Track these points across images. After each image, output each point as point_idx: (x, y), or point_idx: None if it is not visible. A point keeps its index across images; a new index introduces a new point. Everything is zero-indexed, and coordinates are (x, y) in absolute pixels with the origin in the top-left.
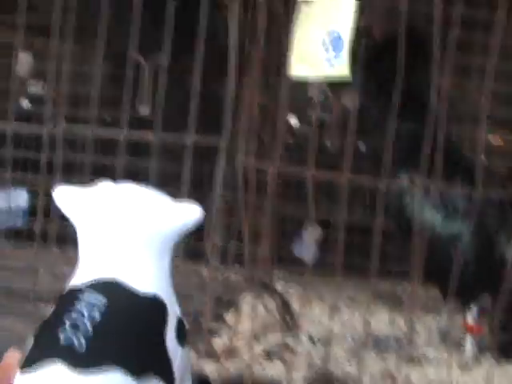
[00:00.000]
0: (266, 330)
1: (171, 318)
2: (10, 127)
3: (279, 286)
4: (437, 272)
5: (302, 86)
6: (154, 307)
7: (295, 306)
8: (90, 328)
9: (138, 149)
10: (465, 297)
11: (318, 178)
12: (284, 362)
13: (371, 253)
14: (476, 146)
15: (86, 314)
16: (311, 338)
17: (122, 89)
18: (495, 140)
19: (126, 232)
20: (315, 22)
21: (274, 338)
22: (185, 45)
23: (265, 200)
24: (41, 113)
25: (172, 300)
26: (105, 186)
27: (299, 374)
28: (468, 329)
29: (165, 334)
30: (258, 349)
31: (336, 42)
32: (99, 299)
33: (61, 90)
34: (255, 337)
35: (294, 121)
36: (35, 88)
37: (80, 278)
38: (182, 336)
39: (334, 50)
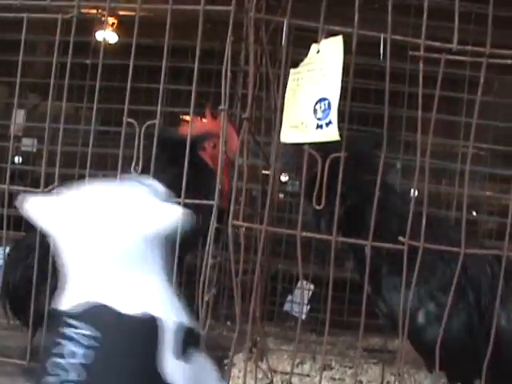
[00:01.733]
0: None
1: (167, 331)
2: (7, 188)
3: (271, 343)
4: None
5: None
6: (143, 328)
7: (286, 363)
8: (71, 371)
9: None
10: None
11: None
12: None
13: (360, 308)
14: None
15: (67, 352)
16: None
17: (114, 148)
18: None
19: (104, 240)
20: (305, 90)
21: None
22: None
23: (255, 258)
24: (33, 170)
25: (167, 308)
26: (77, 192)
27: None
28: None
29: (159, 357)
30: None
31: (326, 107)
32: (82, 332)
33: (54, 149)
34: None
35: (284, 178)
36: (28, 146)
37: (65, 300)
38: (183, 348)
39: (323, 115)
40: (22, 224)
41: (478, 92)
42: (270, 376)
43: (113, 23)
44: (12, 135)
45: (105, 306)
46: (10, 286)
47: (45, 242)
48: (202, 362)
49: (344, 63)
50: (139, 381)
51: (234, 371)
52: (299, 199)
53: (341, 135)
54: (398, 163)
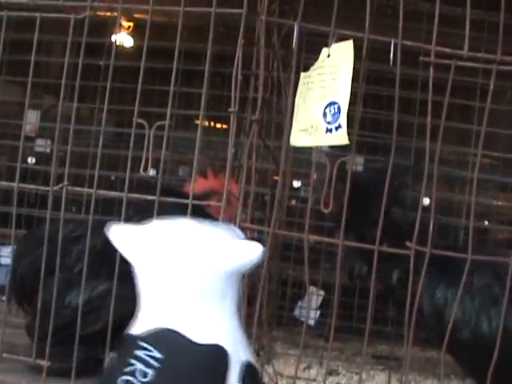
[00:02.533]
0: None
1: (234, 366)
2: (17, 186)
3: (278, 348)
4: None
5: (306, 150)
6: (213, 359)
7: (293, 368)
8: None
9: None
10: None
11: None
12: None
13: (369, 315)
14: (474, 209)
15: (138, 372)
16: None
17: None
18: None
19: (183, 274)
20: (315, 93)
21: None
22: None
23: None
24: (46, 171)
25: (236, 344)
26: (161, 224)
27: None
28: None
29: None
30: None
31: (335, 111)
32: (154, 354)
33: (66, 149)
34: None
35: (296, 184)
36: (42, 146)
37: (138, 325)
38: (247, 381)
39: (333, 119)
40: (33, 223)
41: (489, 100)
42: (275, 380)
43: (129, 27)
44: (23, 134)
45: (176, 333)
46: (18, 278)
47: (55, 237)
48: None
49: (355, 68)
50: None
51: None
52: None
53: (350, 140)
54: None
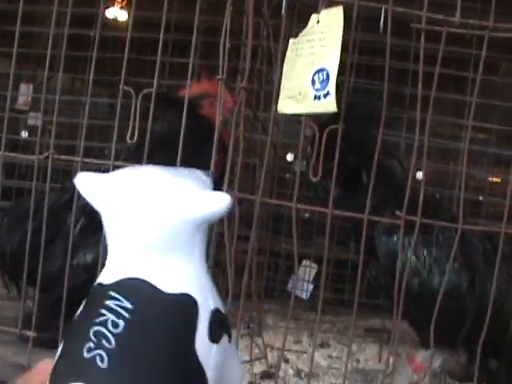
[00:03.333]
0: (252, 362)
1: (203, 315)
2: (2, 154)
3: (270, 320)
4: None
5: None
6: (183, 308)
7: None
8: (112, 341)
9: None
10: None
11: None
12: None
13: (361, 287)
14: (466, 182)
15: (109, 323)
16: (298, 373)
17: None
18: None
19: (149, 223)
20: (303, 60)
21: (259, 370)
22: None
23: (251, 232)
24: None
25: (205, 293)
26: (128, 173)
27: None
28: (415, 366)
29: (195, 338)
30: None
31: (324, 78)
32: (124, 305)
33: (54, 120)
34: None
35: (290, 157)
36: (34, 120)
37: (107, 274)
38: (215, 331)
39: (321, 86)
40: (24, 195)
41: (483, 72)
42: (264, 352)
43: (122, 0)
44: (8, 103)
45: (146, 282)
46: (8, 254)
47: (43, 206)
48: (229, 348)
49: (346, 37)
50: (175, 355)
51: None
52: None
53: (339, 108)
54: (403, 142)
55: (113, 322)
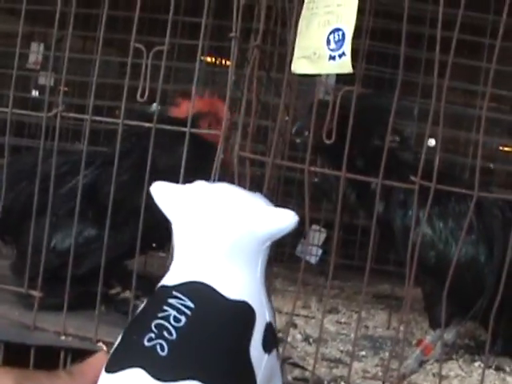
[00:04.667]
0: None
1: (259, 324)
2: (10, 112)
3: (278, 285)
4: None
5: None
6: (241, 314)
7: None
8: (174, 333)
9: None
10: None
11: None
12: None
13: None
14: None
15: (172, 318)
16: (307, 338)
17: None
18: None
19: (218, 233)
20: (319, 19)
21: None
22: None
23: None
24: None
25: (262, 305)
26: (201, 186)
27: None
28: (423, 347)
29: (250, 343)
30: None
31: (339, 38)
32: (187, 303)
33: (64, 79)
34: None
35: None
36: (45, 79)
37: (171, 277)
38: (268, 342)
39: (337, 46)
40: None
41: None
42: None
43: None
44: (16, 59)
45: (208, 286)
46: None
47: (41, 170)
48: (276, 363)
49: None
50: (232, 354)
51: None
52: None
53: (354, 69)
54: (416, 108)
55: (175, 317)
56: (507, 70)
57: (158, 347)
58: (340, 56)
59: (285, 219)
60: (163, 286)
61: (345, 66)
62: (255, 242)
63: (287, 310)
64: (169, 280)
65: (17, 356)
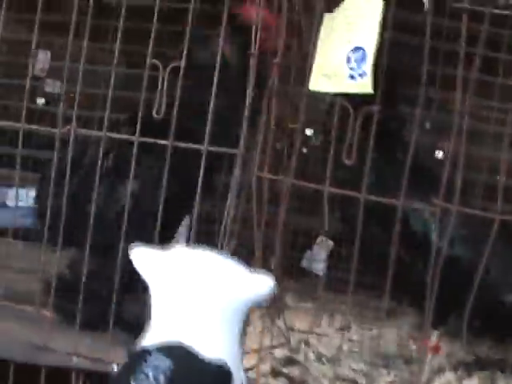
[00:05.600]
0: (274, 346)
1: None
2: (22, 126)
3: (289, 300)
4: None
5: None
6: (219, 375)
7: (304, 322)
8: None
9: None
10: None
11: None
12: (290, 380)
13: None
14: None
15: (151, 377)
16: (319, 357)
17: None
18: None
19: (197, 298)
20: (339, 37)
21: (281, 355)
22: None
23: (277, 212)
24: (55, 112)
25: (239, 367)
26: (181, 251)
27: None
28: (431, 348)
29: None
30: (265, 366)
31: (360, 57)
32: (165, 363)
33: (75, 91)
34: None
35: (309, 132)
36: (51, 87)
37: (150, 338)
38: None
39: (357, 65)
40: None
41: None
42: (287, 335)
43: None
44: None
45: (187, 347)
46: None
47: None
48: None
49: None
50: None
51: (249, 329)
52: (321, 153)
53: (375, 89)
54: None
55: (154, 376)
56: None
57: None
58: (361, 75)
59: (262, 285)
60: (140, 346)
61: (365, 86)
62: (235, 307)
63: (299, 326)
64: (148, 341)
65: (27, 377)
